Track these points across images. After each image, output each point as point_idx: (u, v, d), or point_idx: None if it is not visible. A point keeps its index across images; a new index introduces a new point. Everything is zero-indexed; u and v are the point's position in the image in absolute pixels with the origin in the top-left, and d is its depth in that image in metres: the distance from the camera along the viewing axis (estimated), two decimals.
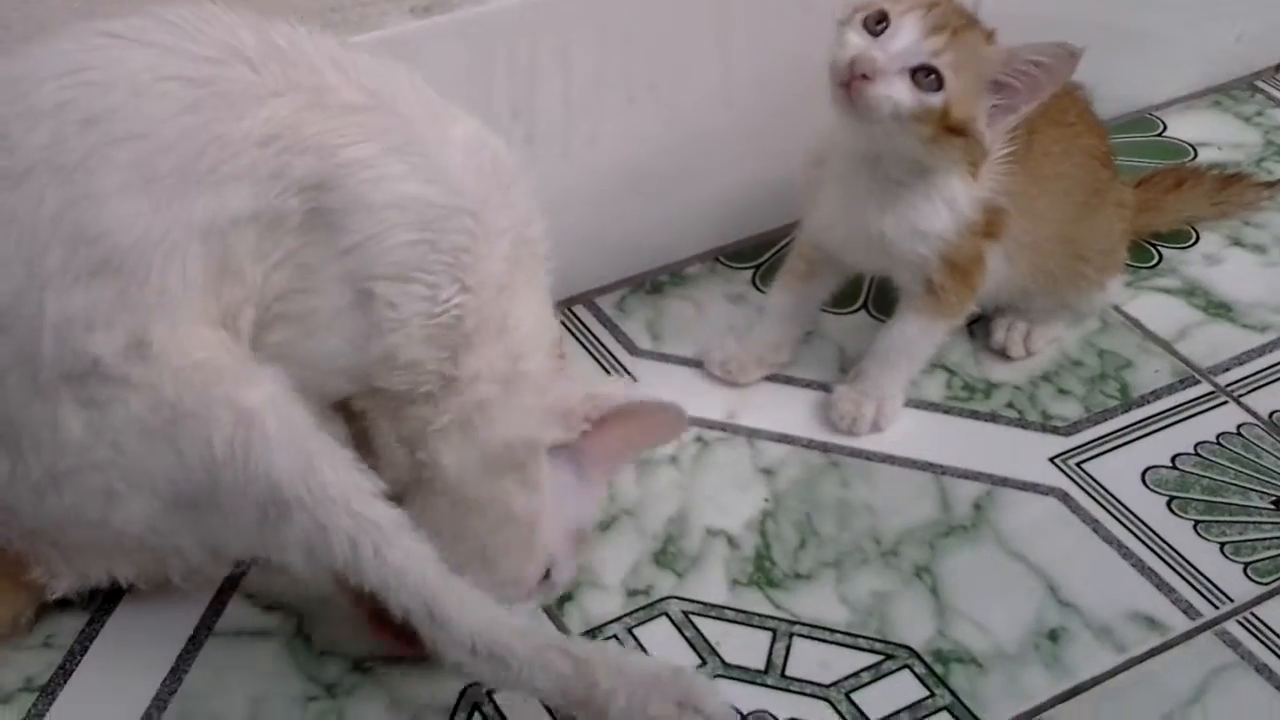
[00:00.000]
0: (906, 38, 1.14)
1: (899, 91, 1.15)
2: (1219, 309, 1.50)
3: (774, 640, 1.17)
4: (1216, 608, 1.20)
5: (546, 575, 1.12)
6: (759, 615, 1.18)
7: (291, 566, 1.02)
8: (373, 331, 1.02)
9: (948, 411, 1.37)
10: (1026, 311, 1.42)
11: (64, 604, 1.12)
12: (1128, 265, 1.48)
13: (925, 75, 1.15)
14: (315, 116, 0.99)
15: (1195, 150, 1.72)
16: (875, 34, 1.16)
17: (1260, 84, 1.84)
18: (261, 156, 0.98)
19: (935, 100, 1.15)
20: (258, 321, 1.02)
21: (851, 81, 1.14)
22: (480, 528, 1.08)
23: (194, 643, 1.13)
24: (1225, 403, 1.39)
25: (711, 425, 1.34)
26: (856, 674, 1.14)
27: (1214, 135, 1.74)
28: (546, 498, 1.09)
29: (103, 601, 1.14)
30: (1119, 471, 1.31)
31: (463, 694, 1.11)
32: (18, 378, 0.98)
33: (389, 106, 1.02)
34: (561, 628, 1.16)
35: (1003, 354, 1.42)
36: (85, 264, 0.96)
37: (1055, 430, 1.35)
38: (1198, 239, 1.58)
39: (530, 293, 1.08)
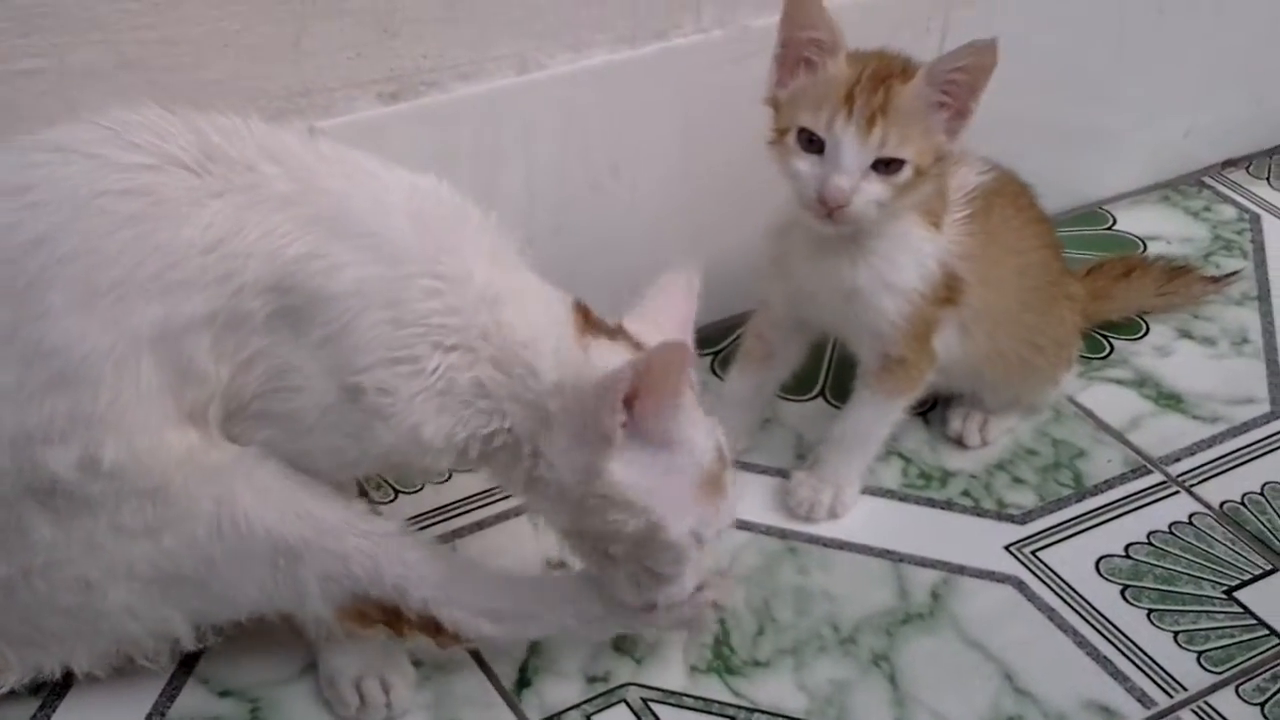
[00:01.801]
0: (851, 150, 1.17)
1: (873, 193, 1.18)
2: (1170, 400, 1.52)
3: None
4: (1171, 696, 1.21)
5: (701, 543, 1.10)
6: (718, 703, 1.18)
7: (305, 604, 1.06)
8: (375, 419, 1.02)
9: (904, 499, 1.39)
10: (981, 402, 1.43)
11: (12, 692, 1.10)
12: (1080, 356, 1.50)
13: (884, 165, 1.18)
14: (255, 216, 1.00)
15: (1144, 244, 1.75)
16: (814, 150, 1.19)
17: (1208, 180, 1.88)
18: (208, 262, 0.98)
19: (905, 174, 1.18)
20: (233, 415, 1.03)
21: (831, 211, 1.18)
22: (628, 553, 1.08)
23: None
24: (1177, 493, 1.41)
25: None
26: None
27: (1163, 229, 1.78)
28: (651, 493, 1.05)
29: (54, 687, 1.13)
30: (1073, 560, 1.33)
31: None
32: None
33: (322, 188, 1.02)
34: (520, 715, 1.15)
35: (959, 442, 1.44)
36: (39, 380, 0.97)
37: (1010, 519, 1.37)
38: (1148, 331, 1.61)
39: (517, 300, 1.05)
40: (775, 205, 1.29)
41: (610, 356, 1.05)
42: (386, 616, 1.08)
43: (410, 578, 1.07)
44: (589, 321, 1.08)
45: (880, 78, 1.18)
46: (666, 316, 1.11)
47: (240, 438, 1.04)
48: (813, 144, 1.19)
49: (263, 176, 1.01)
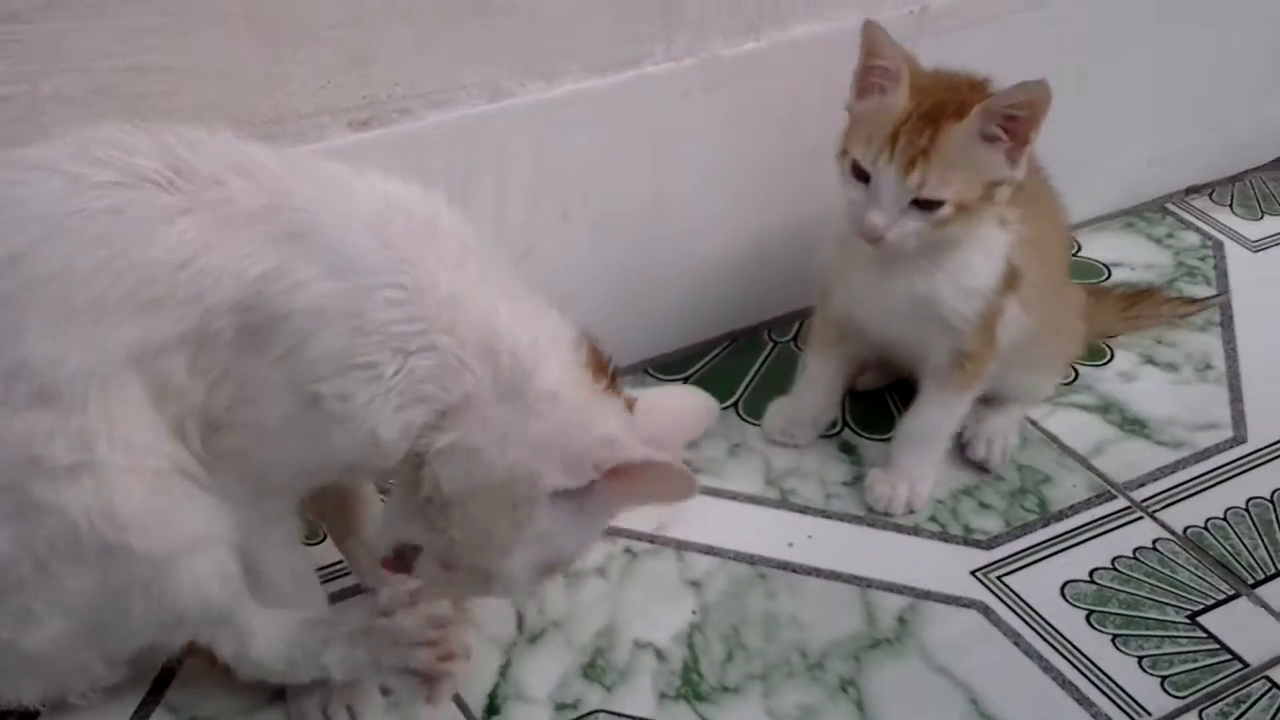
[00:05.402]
0: (889, 189, 1.22)
1: (910, 227, 1.24)
2: (1134, 425, 1.54)
3: None
4: None
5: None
6: None
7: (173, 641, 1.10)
8: (333, 424, 1.03)
9: (871, 525, 1.39)
10: (995, 396, 1.46)
11: None
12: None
13: (924, 203, 1.22)
14: (223, 234, 1.00)
15: (1109, 270, 1.77)
16: (863, 180, 1.24)
17: (1171, 206, 1.90)
18: (178, 281, 0.99)
19: (944, 212, 1.23)
20: (208, 428, 1.04)
21: (873, 241, 1.24)
22: (458, 538, 1.07)
23: None
24: (1141, 518, 1.42)
25: (640, 537, 1.34)
26: None
27: (1127, 256, 1.80)
28: (527, 536, 1.07)
29: (20, 718, 1.12)
30: (1039, 585, 1.34)
31: None
32: None
33: (291, 204, 1.03)
34: None
35: (983, 468, 1.46)
36: (22, 396, 0.98)
37: (977, 544, 1.38)
38: (1112, 357, 1.63)
39: (501, 298, 1.06)
40: (835, 214, 1.32)
41: (612, 419, 1.08)
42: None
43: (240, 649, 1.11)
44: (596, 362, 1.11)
45: (931, 117, 1.21)
46: (671, 422, 1.17)
47: (213, 448, 1.04)
48: (862, 175, 1.24)
49: (230, 192, 1.02)
